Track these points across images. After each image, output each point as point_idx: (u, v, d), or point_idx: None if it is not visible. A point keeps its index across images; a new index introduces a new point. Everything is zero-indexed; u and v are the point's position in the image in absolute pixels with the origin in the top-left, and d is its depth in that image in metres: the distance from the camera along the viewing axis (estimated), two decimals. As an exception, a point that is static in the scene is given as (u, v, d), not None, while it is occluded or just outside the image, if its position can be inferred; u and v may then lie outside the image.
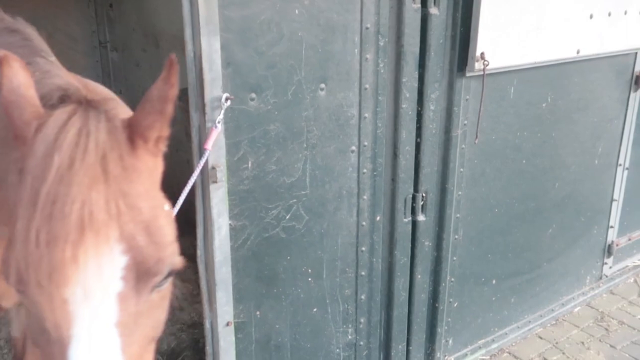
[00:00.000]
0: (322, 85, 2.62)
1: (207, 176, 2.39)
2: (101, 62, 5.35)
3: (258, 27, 2.39)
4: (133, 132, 1.38)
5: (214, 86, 2.31)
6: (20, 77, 1.37)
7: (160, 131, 1.41)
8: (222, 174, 2.41)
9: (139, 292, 1.29)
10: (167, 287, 1.40)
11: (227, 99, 2.32)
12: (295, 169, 2.64)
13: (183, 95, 3.16)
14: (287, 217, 2.68)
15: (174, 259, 1.35)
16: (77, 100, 1.48)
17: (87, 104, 1.44)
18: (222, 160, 2.41)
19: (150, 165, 1.40)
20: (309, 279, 2.85)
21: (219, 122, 2.30)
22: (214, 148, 2.34)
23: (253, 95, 2.44)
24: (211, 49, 2.28)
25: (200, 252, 2.51)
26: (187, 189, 2.23)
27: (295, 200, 2.68)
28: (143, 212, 1.30)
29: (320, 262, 2.85)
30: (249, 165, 2.50)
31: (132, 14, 4.97)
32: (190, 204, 2.29)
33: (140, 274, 1.28)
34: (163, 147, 1.45)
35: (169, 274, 1.36)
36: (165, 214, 1.38)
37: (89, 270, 1.21)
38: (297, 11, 2.47)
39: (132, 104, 5.17)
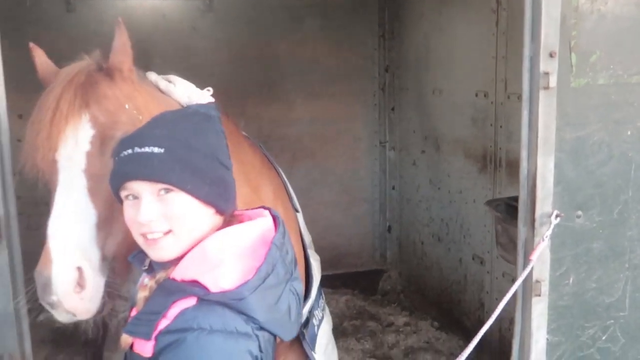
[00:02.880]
0: (649, 205, 2.56)
1: (529, 289, 2.44)
2: (379, 159, 5.79)
3: (589, 148, 2.45)
4: (110, 68, 2.00)
5: (545, 203, 2.40)
6: (42, 56, 2.13)
7: (128, 67, 2.02)
8: (545, 288, 2.45)
9: (103, 153, 1.87)
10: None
11: (557, 216, 2.39)
12: (615, 289, 2.58)
13: (497, 205, 3.32)
14: (603, 338, 2.60)
15: (125, 133, 1.77)
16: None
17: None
18: (546, 274, 2.45)
19: (123, 87, 1.99)
20: (619, 406, 2.69)
21: (546, 237, 2.37)
22: (539, 262, 2.40)
23: (579, 212, 2.47)
24: (545, 168, 2.39)
25: (514, 363, 2.55)
26: (507, 297, 2.31)
27: (612, 321, 2.60)
28: (105, 104, 1.92)
29: (633, 389, 2.70)
30: (570, 281, 2.51)
31: (413, 118, 5.35)
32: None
33: (102, 139, 1.89)
34: (133, 77, 2.05)
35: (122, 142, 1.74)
36: (124, 110, 1.95)
37: (69, 138, 1.86)
38: (629, 132, 2.49)
39: (405, 198, 5.43)
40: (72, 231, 1.79)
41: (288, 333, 1.58)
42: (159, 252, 1.50)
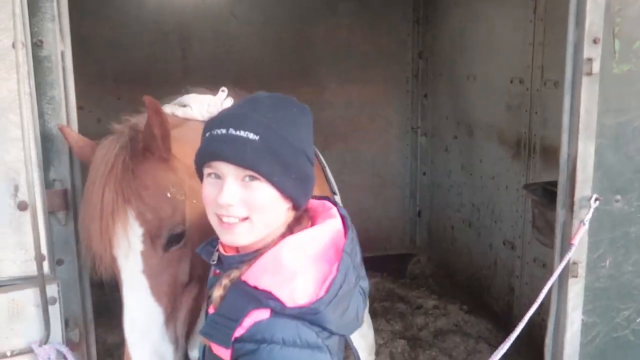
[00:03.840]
0: (687, 191, 2.60)
1: (567, 270, 2.51)
2: (411, 145, 5.85)
3: (630, 134, 2.49)
4: (144, 148, 1.88)
5: (585, 187, 2.45)
6: (72, 134, 2.03)
7: (162, 147, 1.88)
8: (582, 269, 2.51)
9: (155, 249, 1.87)
10: (180, 248, 1.91)
11: (596, 200, 2.44)
12: (651, 273, 2.63)
13: (534, 189, 3.37)
14: (638, 320, 2.66)
15: (173, 227, 1.88)
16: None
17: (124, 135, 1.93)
18: (583, 256, 2.51)
19: (160, 167, 1.90)
20: (652, 387, 2.75)
21: (586, 221, 2.43)
22: (577, 244, 2.46)
23: (618, 197, 2.52)
24: (586, 153, 2.44)
25: (548, 341, 2.61)
26: (552, 280, 2.39)
27: (647, 303, 2.66)
28: (147, 198, 1.85)
29: (666, 371, 2.75)
30: (607, 264, 2.57)
31: (446, 104, 5.40)
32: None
33: (151, 237, 1.86)
34: (168, 158, 1.91)
35: (171, 238, 1.89)
36: (166, 199, 1.88)
37: (120, 237, 1.84)
38: (669, 119, 2.52)
39: (435, 184, 5.49)
40: (145, 332, 1.87)
41: (352, 331, 1.61)
42: (231, 237, 1.50)
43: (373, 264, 5.74)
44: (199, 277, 1.97)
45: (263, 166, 1.43)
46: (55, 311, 2.00)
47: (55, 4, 1.92)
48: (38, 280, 1.92)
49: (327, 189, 2.99)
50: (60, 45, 1.96)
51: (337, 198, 3.08)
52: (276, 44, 5.36)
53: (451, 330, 4.78)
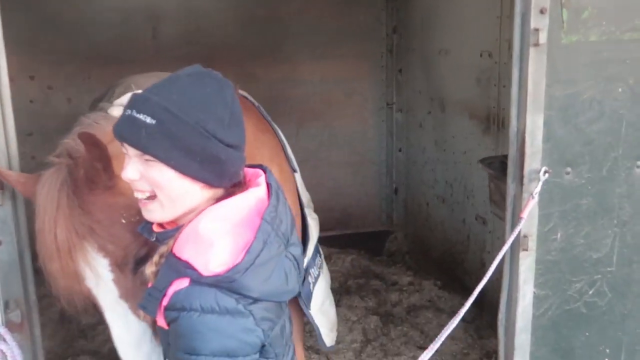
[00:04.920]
0: (639, 163, 2.59)
1: (518, 244, 2.51)
2: (386, 121, 5.82)
3: (580, 105, 2.47)
4: (87, 179, 1.81)
5: (534, 159, 2.44)
6: (13, 175, 1.97)
7: (105, 176, 1.81)
8: (532, 243, 2.51)
9: (125, 275, 1.88)
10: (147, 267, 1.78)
11: (545, 172, 2.43)
12: (602, 245, 2.63)
13: (490, 163, 3.36)
14: (590, 292, 2.66)
15: (139, 252, 1.86)
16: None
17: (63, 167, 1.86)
18: (534, 229, 2.51)
19: (107, 195, 1.84)
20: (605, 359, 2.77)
21: (535, 194, 2.42)
22: (527, 218, 2.46)
23: (568, 169, 2.51)
24: (534, 125, 2.42)
25: (501, 316, 2.62)
26: (501, 254, 2.38)
27: (600, 276, 2.65)
28: (102, 231, 1.83)
29: (619, 343, 2.76)
30: (558, 236, 2.57)
31: (420, 79, 5.36)
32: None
33: (118, 264, 1.87)
34: (113, 185, 1.84)
35: (138, 260, 1.86)
36: (122, 225, 1.86)
37: (87, 271, 1.84)
38: (620, 90, 2.50)
39: (411, 160, 5.48)
40: (137, 350, 1.91)
41: (285, 297, 1.63)
42: (147, 214, 1.58)
43: (350, 241, 5.77)
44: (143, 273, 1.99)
45: (158, 150, 1.46)
46: (-8, 292, 1.99)
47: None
48: (-28, 261, 1.91)
49: (287, 166, 2.98)
50: (-13, 23, 1.92)
51: (297, 175, 3.06)
52: (248, 21, 5.29)
53: (424, 306, 4.81)
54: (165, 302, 1.51)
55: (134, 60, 4.84)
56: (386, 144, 5.87)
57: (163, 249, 1.59)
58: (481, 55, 4.35)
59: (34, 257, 2.16)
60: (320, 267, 3.07)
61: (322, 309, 3.07)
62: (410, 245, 5.83)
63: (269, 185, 1.65)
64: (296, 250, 1.67)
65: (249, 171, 1.70)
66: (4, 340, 2.00)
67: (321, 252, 3.16)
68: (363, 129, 5.81)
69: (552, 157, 2.48)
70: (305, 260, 2.70)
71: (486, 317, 4.37)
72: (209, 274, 1.46)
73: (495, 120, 4.27)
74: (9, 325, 2.04)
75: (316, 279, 2.92)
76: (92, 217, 1.82)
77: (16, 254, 2.07)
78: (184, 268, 1.49)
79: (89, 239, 1.82)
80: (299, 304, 2.66)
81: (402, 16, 5.58)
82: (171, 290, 1.50)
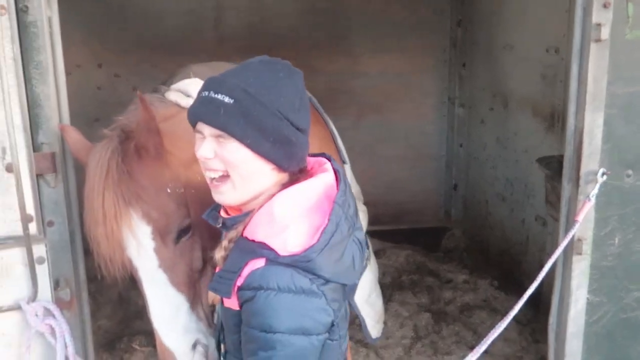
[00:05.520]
0: None
1: (571, 247, 2.41)
2: (447, 116, 5.71)
3: (644, 104, 2.35)
4: (138, 148, 1.90)
5: (591, 160, 2.34)
6: (73, 134, 2.05)
7: (154, 144, 1.90)
8: (587, 247, 2.41)
9: (167, 244, 1.94)
10: (189, 238, 2.00)
11: (603, 174, 2.32)
12: (665, 252, 2.49)
13: (548, 162, 3.24)
14: (650, 301, 2.53)
15: (180, 221, 1.95)
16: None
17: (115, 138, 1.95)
18: (589, 233, 2.41)
19: (155, 166, 1.93)
20: (664, 372, 2.63)
21: (592, 196, 2.31)
22: (582, 221, 2.35)
23: (629, 172, 2.40)
24: (593, 124, 2.32)
25: (552, 320, 2.53)
26: (554, 257, 2.29)
27: (661, 285, 2.52)
28: (148, 198, 1.90)
29: (680, 356, 2.62)
30: (616, 241, 2.45)
31: (484, 74, 5.22)
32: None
33: (161, 233, 1.92)
34: (161, 156, 1.94)
35: (180, 231, 1.96)
36: (167, 195, 1.94)
37: (130, 239, 1.90)
38: (690, 89, 2.36)
39: (471, 156, 5.34)
40: (173, 323, 1.97)
41: (352, 280, 1.69)
42: (219, 196, 1.62)
43: (406, 236, 5.70)
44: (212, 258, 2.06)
45: (235, 128, 1.52)
46: (43, 271, 2.08)
47: (40, -31, 1.95)
48: (25, 240, 1.99)
49: (336, 158, 2.97)
50: (46, 11, 1.99)
51: (347, 167, 3.05)
52: (311, 13, 5.29)
53: (479, 306, 4.70)
54: (239, 282, 1.54)
55: (197, 51, 4.92)
56: (446, 139, 5.76)
57: (232, 234, 1.63)
58: (547, 51, 4.19)
59: (85, 238, 2.26)
60: (368, 259, 3.05)
61: (368, 301, 3.06)
62: (467, 242, 5.71)
63: (336, 172, 1.69)
64: (360, 234, 1.71)
65: (311, 159, 1.75)
66: (54, 316, 2.08)
67: (369, 244, 3.14)
68: (421, 124, 5.72)
69: (612, 158, 2.37)
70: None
71: (542, 320, 4.20)
72: (287, 254, 1.51)
73: (559, 119, 4.11)
74: (58, 302, 2.12)
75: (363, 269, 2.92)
76: (139, 184, 1.90)
77: (67, 234, 2.15)
78: (259, 249, 1.53)
79: (135, 205, 1.89)
80: None
81: (467, 9, 5.44)
82: (246, 271, 1.54)
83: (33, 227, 2.04)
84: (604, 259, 2.45)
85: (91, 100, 4.90)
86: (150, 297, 1.97)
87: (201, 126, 1.57)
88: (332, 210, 1.57)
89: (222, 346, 1.77)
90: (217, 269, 1.67)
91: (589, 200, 2.31)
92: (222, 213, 1.70)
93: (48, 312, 2.08)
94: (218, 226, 1.72)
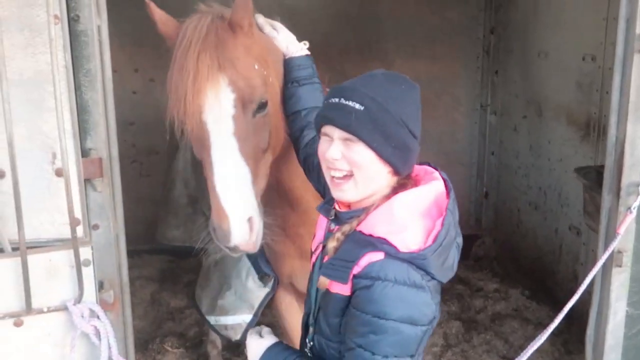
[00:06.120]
0: None
1: (611, 259, 2.39)
2: (479, 123, 5.69)
3: (688, 116, 2.32)
4: (232, 23, 2.11)
5: (633, 171, 2.32)
6: (158, 11, 2.24)
7: (248, 22, 2.14)
8: (627, 259, 2.38)
9: (245, 114, 2.09)
10: (265, 115, 2.18)
11: (645, 186, 2.30)
12: None
13: (587, 173, 3.22)
14: (691, 315, 2.50)
15: (262, 95, 2.14)
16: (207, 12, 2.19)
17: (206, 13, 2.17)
18: (630, 245, 2.39)
19: (246, 42, 2.15)
20: None
21: (634, 208, 2.29)
22: (623, 233, 2.33)
23: (672, 183, 2.36)
24: (635, 135, 2.30)
25: (590, 332, 2.51)
26: (595, 270, 2.28)
27: (702, 298, 2.48)
28: (239, 67, 2.08)
29: None
30: (657, 254, 2.42)
31: (517, 82, 5.19)
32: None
33: (243, 102, 2.07)
34: (252, 34, 2.19)
35: (261, 104, 2.15)
36: (255, 70, 2.14)
37: (213, 101, 2.02)
38: None
39: (503, 164, 5.27)
40: (237, 189, 2.07)
41: (446, 279, 1.80)
42: (340, 193, 1.77)
43: (435, 243, 5.67)
44: (272, 149, 2.30)
45: (364, 132, 1.67)
46: (89, 273, 2.12)
47: (91, -20, 2.00)
48: (73, 243, 2.04)
49: None
50: (96, 20, 2.03)
51: None
52: (342, 18, 5.32)
53: (510, 315, 4.67)
54: (356, 271, 1.68)
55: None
56: (478, 146, 5.73)
57: (346, 227, 1.78)
58: (584, 59, 4.16)
59: (128, 241, 2.31)
60: None
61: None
62: (498, 251, 5.67)
63: (445, 181, 1.84)
64: (460, 239, 1.85)
65: (416, 167, 1.87)
66: (98, 317, 2.13)
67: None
68: (452, 130, 5.70)
69: (654, 170, 2.34)
70: None
71: (575, 331, 4.17)
72: (406, 251, 1.65)
73: (595, 128, 4.08)
74: (103, 304, 2.16)
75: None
76: (233, 54, 2.09)
77: (112, 237, 2.19)
78: (379, 243, 1.66)
79: (227, 71, 2.05)
80: None
81: (501, 16, 5.42)
82: (364, 261, 1.67)
83: (80, 230, 2.09)
84: (644, 272, 2.42)
85: (127, 104, 4.99)
86: (217, 162, 2.05)
87: (330, 129, 1.73)
88: (445, 216, 1.72)
89: (310, 329, 1.89)
90: (325, 259, 1.81)
91: (631, 212, 2.29)
92: (336, 207, 1.84)
93: (93, 314, 2.13)
94: (330, 218, 1.87)
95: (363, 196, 1.75)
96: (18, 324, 2.09)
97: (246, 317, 2.98)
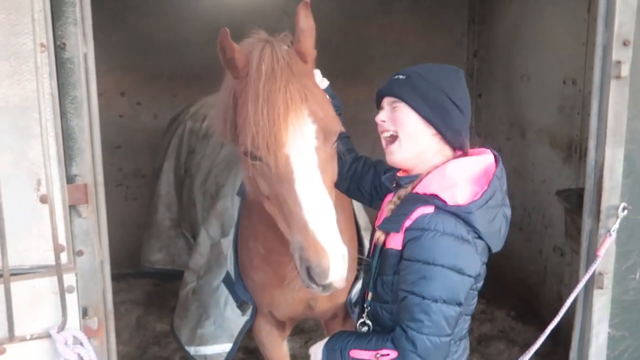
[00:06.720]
0: None
1: (592, 281, 2.42)
2: (464, 146, 5.74)
3: (665, 140, 2.37)
4: (302, 53, 2.12)
5: (612, 195, 2.36)
6: (228, 41, 2.10)
7: (312, 54, 2.17)
8: (608, 281, 2.42)
9: (325, 146, 2.03)
10: (333, 146, 2.10)
11: (624, 209, 2.34)
12: (687, 287, 2.49)
13: (568, 195, 3.26)
14: (672, 336, 2.53)
15: (340, 126, 2.08)
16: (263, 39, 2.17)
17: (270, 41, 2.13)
18: (610, 267, 2.42)
19: (311, 72, 2.20)
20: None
21: (613, 231, 2.33)
22: (603, 255, 2.37)
23: (650, 206, 2.41)
24: (614, 159, 2.35)
25: (573, 355, 2.53)
26: (575, 292, 2.31)
27: (682, 319, 2.52)
28: (317, 97, 2.05)
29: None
30: (637, 276, 2.46)
31: (500, 105, 5.27)
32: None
33: (324, 134, 2.01)
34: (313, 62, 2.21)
35: (337, 135, 2.09)
36: (327, 98, 2.15)
37: (297, 134, 1.96)
38: None
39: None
40: (330, 224, 1.94)
41: (496, 245, 1.99)
42: (390, 156, 2.01)
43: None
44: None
45: (404, 94, 1.95)
46: (72, 299, 2.11)
47: (78, 8, 2.02)
48: (57, 270, 2.04)
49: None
50: (82, 48, 2.05)
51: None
52: (328, 43, 5.36)
53: (496, 337, 4.67)
54: (407, 223, 1.87)
55: (218, 80, 5.01)
56: (463, 168, 5.77)
57: (402, 191, 2.00)
58: (564, 83, 4.24)
59: (114, 265, 2.30)
60: None
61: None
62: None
63: (495, 156, 2.03)
64: (508, 211, 2.03)
65: (473, 150, 2.04)
66: (82, 344, 2.12)
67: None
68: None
69: (633, 193, 2.39)
70: (359, 284, 2.68)
71: (561, 352, 4.18)
72: (453, 204, 1.84)
73: (577, 150, 4.14)
74: (87, 330, 2.15)
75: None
76: (309, 83, 2.10)
77: (96, 263, 2.18)
78: (430, 199, 1.86)
79: (308, 102, 2.02)
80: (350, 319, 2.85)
81: (484, 40, 5.51)
82: (416, 214, 1.87)
83: (64, 257, 2.08)
84: (625, 293, 2.46)
85: (113, 127, 5.00)
86: (306, 196, 1.95)
87: (384, 101, 2.04)
88: (491, 180, 1.91)
89: (369, 294, 2.04)
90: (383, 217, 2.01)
91: (610, 234, 2.33)
92: (399, 173, 2.04)
93: (76, 340, 2.12)
94: (392, 187, 2.06)
95: (409, 155, 1.96)
96: (0, 352, 2.07)
97: (226, 347, 2.96)
